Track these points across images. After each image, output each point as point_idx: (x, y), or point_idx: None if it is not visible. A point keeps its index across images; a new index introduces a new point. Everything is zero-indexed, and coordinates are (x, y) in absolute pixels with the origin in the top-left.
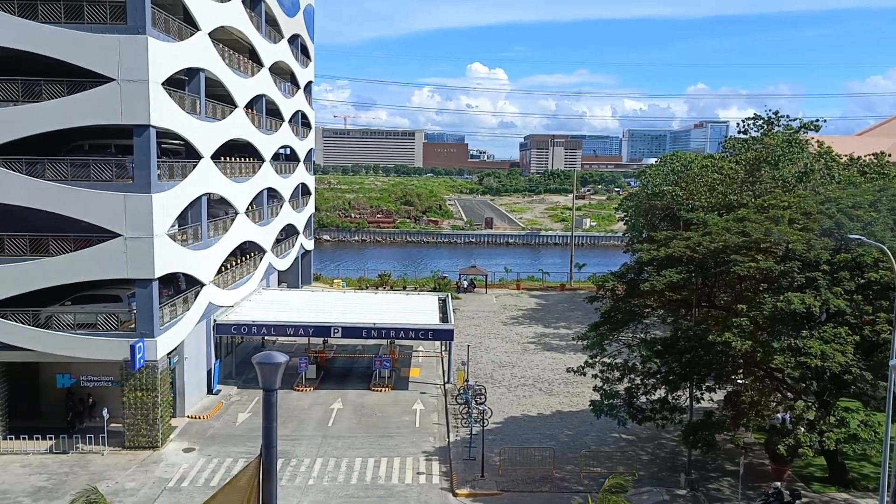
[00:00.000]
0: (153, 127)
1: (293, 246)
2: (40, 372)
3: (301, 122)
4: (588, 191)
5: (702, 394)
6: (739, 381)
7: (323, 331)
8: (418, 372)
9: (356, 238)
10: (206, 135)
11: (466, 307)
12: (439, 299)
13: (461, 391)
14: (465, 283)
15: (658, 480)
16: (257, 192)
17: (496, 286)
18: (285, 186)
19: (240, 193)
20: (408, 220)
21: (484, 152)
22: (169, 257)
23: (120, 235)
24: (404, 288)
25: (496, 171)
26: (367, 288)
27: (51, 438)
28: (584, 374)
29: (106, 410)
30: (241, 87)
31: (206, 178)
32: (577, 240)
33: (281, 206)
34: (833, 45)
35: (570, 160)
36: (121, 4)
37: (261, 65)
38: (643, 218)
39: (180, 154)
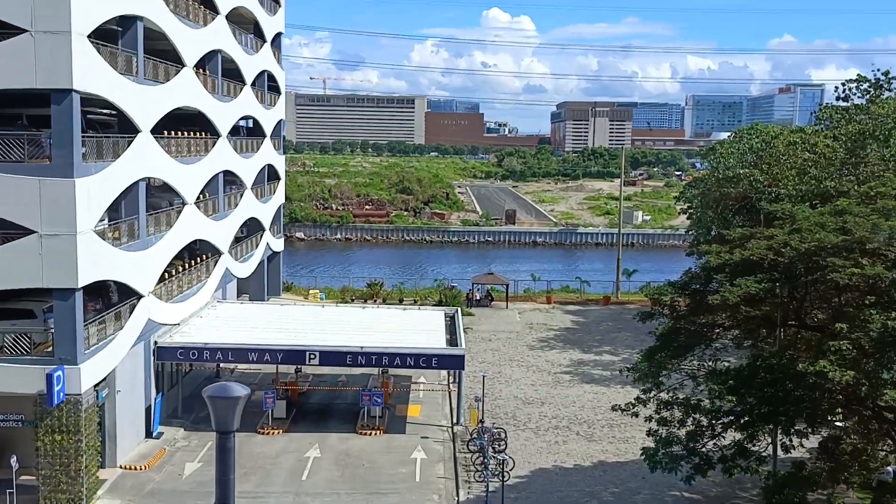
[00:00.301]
0: (76, 92)
1: (257, 246)
2: None
3: (268, 85)
4: (640, 175)
5: (789, 440)
6: (838, 424)
7: (295, 356)
8: (419, 410)
9: (338, 236)
10: (144, 102)
11: (481, 326)
12: (446, 316)
13: (474, 435)
14: (480, 295)
15: None
16: (211, 177)
17: (520, 299)
18: (247, 169)
19: (188, 178)
20: (405, 214)
21: (504, 125)
22: (96, 260)
23: (33, 232)
24: (401, 301)
25: (520, 150)
26: (352, 301)
27: None
28: (636, 415)
29: (14, 459)
30: (191, 41)
31: (144, 159)
32: (626, 239)
33: (241, 195)
34: None
35: (616, 135)
36: None
37: (215, 11)
38: (712, 210)
39: (112, 127)
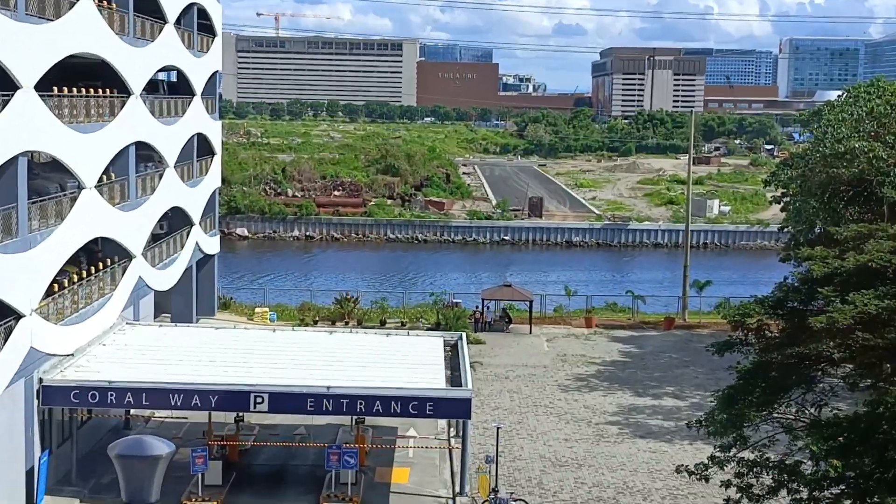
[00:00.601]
0: None
1: (182, 247)
2: None
3: (198, 24)
4: (717, 150)
5: None
6: None
7: (236, 400)
8: (407, 475)
9: (296, 233)
10: (25, 46)
11: (495, 359)
12: (446, 344)
13: None
14: (493, 316)
15: None
16: (118, 151)
17: (549, 320)
18: (169, 140)
19: (87, 152)
20: (389, 203)
21: (528, 80)
22: None
23: None
24: (383, 324)
25: (549, 114)
26: (315, 323)
27: None
28: (707, 479)
29: None
30: None
31: (24, 125)
32: (697, 238)
33: (161, 176)
34: None
35: (683, 94)
36: None
37: None
38: (816, 199)
39: None
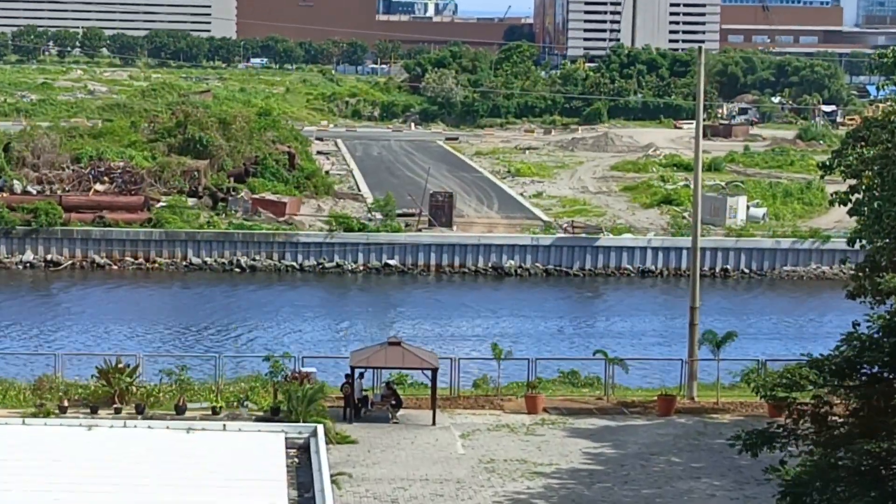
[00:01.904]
0: None
1: None
2: None
3: None
4: (744, 114)
5: None
6: None
7: None
8: None
9: (28, 258)
10: None
11: (374, 468)
12: (291, 445)
13: None
14: (370, 395)
15: None
16: None
17: (464, 402)
18: None
19: None
20: (191, 203)
21: None
22: None
23: None
24: (181, 411)
25: (463, 52)
26: (63, 411)
27: None
28: None
29: None
30: None
31: None
32: (712, 260)
33: None
34: None
35: (687, 21)
36: None
37: None
38: None
39: None
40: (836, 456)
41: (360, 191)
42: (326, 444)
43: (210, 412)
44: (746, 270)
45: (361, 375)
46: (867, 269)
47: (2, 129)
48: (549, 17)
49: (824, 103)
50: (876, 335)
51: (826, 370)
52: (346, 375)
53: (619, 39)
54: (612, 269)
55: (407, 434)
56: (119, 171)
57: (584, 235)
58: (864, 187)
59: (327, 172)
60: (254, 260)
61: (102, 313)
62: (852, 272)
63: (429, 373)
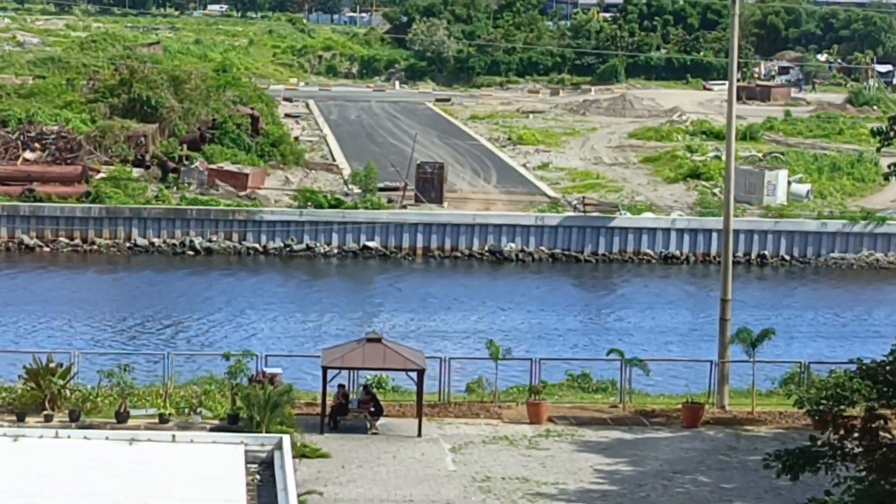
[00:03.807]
0: None
1: None
2: None
3: None
4: (785, 73)
5: None
6: None
7: None
8: None
9: None
10: None
11: (348, 487)
12: (252, 459)
13: None
14: (345, 400)
15: None
16: None
17: (456, 410)
18: None
19: None
20: (136, 174)
21: None
22: None
23: None
24: (122, 418)
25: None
26: None
27: None
28: None
29: None
30: None
31: None
32: (747, 244)
33: None
34: None
35: None
36: None
37: None
38: None
39: None
40: (892, 482)
41: (335, 161)
42: (294, 457)
43: (157, 420)
44: (787, 257)
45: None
46: None
47: None
48: None
49: (878, 62)
50: None
51: (881, 379)
52: (340, 385)
53: None
54: (630, 255)
55: (388, 447)
56: (52, 136)
57: (597, 214)
58: None
59: (297, 139)
60: (210, 241)
61: (31, 304)
62: None
63: (414, 375)
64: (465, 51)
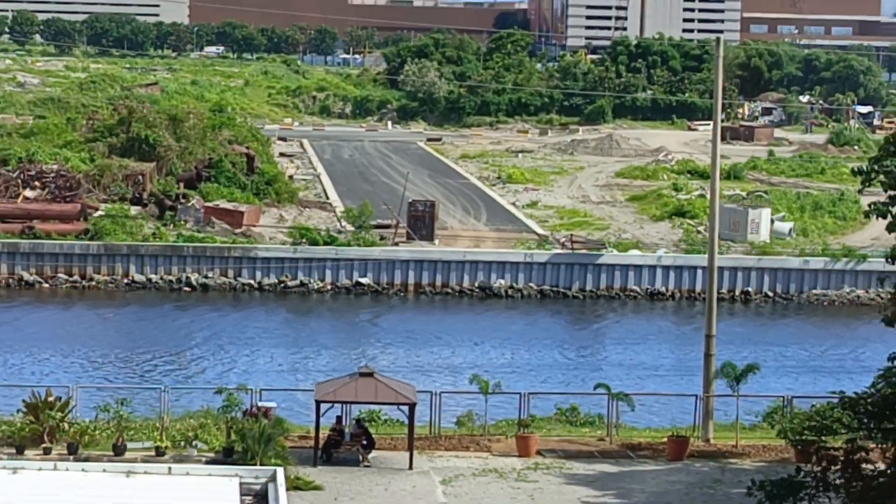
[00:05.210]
0: None
1: None
2: None
3: None
4: (768, 115)
5: None
6: None
7: None
8: None
9: None
10: None
11: None
12: (247, 492)
13: None
14: (338, 436)
15: None
16: None
17: (446, 443)
18: None
19: None
20: (134, 211)
21: None
22: None
23: None
24: (119, 451)
25: (447, 41)
26: None
27: None
28: None
29: None
30: None
31: None
32: (731, 281)
33: None
34: None
35: (704, 9)
36: None
37: None
38: None
39: None
40: None
41: (328, 199)
42: (287, 490)
43: (153, 453)
44: (770, 293)
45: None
46: None
47: None
48: (547, 2)
49: (859, 103)
50: None
51: (861, 411)
52: (338, 417)
53: (625, 28)
54: (617, 291)
55: (380, 479)
56: (52, 175)
57: (584, 252)
58: None
59: (291, 177)
60: (206, 277)
61: (30, 338)
62: (891, 296)
63: (405, 408)
64: (456, 91)
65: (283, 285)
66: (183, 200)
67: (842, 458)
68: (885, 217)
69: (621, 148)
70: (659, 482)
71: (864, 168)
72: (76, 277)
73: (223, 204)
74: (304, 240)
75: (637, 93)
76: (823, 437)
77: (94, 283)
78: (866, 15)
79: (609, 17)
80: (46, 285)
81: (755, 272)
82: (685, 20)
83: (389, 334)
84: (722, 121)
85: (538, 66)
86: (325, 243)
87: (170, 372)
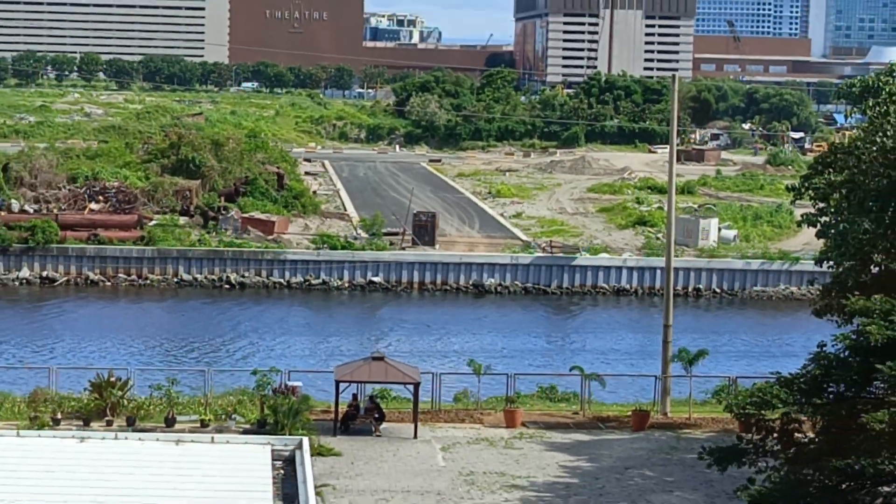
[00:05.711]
0: None
1: None
2: None
3: None
4: (715, 139)
5: None
6: None
7: None
8: None
9: (24, 274)
10: None
11: (356, 480)
12: (277, 457)
13: None
14: (354, 409)
15: None
16: None
17: (445, 416)
18: None
19: None
20: (183, 221)
21: (412, 22)
22: None
23: None
24: (170, 423)
25: (446, 78)
26: (56, 423)
27: None
28: None
29: None
30: None
31: None
32: (685, 280)
33: None
34: None
35: (662, 49)
36: None
37: None
38: (871, 219)
39: None
40: (804, 473)
41: (346, 210)
42: (311, 456)
43: (199, 425)
44: (718, 290)
45: (353, 394)
46: (834, 290)
47: (1, 150)
48: (530, 44)
49: (793, 130)
50: (842, 354)
51: (794, 389)
52: (354, 395)
53: (596, 67)
54: (589, 288)
55: (389, 447)
56: (113, 190)
57: (561, 255)
58: (831, 210)
59: (314, 192)
60: (243, 277)
61: (96, 328)
62: (819, 292)
63: (411, 387)
64: (454, 120)
65: (307, 284)
66: (224, 212)
67: (778, 429)
68: (814, 226)
69: (592, 168)
70: (624, 449)
71: (797, 185)
72: (133, 277)
73: (257, 215)
74: (325, 245)
75: (606, 121)
76: (763, 411)
77: (148, 281)
78: (799, 56)
79: (582, 58)
80: (109, 283)
81: (705, 272)
82: (646, 59)
83: (397, 324)
84: (677, 145)
85: (522, 98)
86: (343, 248)
87: (212, 356)
